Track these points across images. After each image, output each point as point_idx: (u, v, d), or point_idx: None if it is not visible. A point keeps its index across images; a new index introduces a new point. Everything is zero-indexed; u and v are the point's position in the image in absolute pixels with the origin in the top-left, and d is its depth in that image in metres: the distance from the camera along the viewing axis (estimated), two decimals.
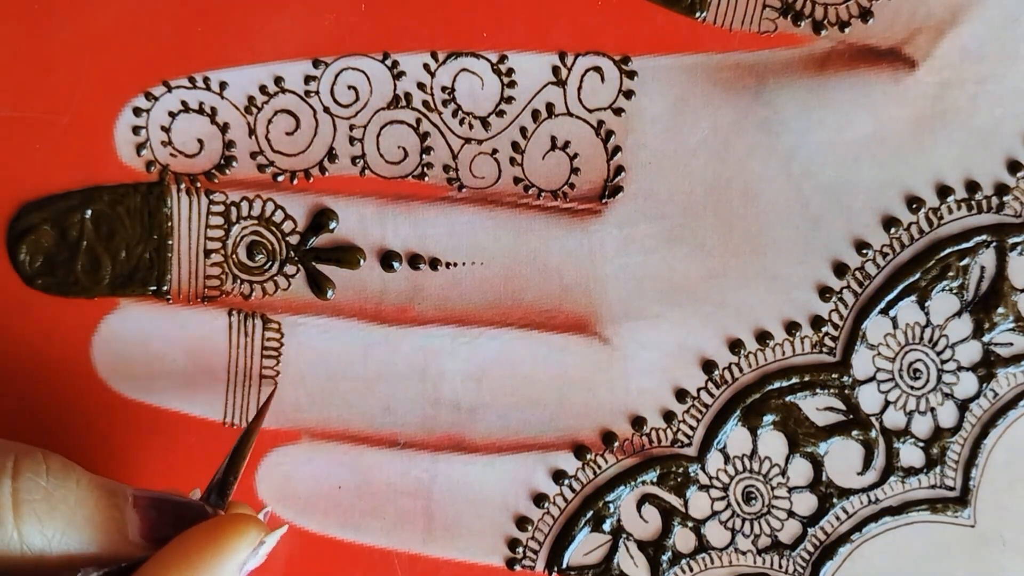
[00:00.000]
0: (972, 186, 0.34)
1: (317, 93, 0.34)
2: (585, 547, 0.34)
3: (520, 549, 0.34)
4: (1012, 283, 0.34)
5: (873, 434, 0.34)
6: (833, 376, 0.34)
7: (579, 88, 0.34)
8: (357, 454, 0.34)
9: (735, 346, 0.34)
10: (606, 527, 0.34)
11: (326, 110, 0.34)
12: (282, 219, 0.34)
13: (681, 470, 0.34)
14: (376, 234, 0.34)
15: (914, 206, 0.34)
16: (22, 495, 0.25)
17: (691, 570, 0.34)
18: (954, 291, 0.34)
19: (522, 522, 0.34)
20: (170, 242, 0.34)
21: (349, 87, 0.34)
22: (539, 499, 0.34)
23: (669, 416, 0.34)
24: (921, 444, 0.34)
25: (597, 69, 0.34)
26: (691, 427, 0.34)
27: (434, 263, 0.34)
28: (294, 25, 0.33)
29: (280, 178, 0.34)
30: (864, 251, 0.34)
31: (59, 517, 0.25)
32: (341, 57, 0.33)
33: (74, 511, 0.26)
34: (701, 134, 0.34)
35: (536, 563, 0.34)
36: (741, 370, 0.34)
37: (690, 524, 0.34)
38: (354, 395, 0.34)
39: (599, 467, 0.34)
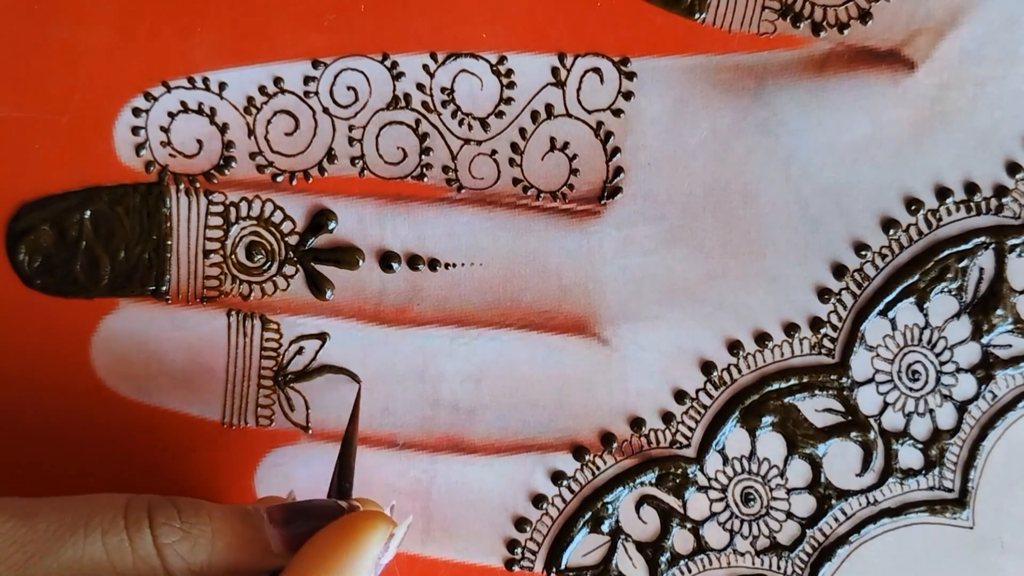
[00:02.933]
0: (971, 188, 0.34)
1: (316, 94, 0.34)
2: (584, 548, 0.34)
3: (519, 550, 0.34)
4: (1011, 285, 0.34)
5: (872, 435, 0.34)
6: (832, 377, 0.34)
7: (578, 89, 0.34)
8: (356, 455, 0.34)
9: (734, 347, 0.34)
10: (605, 528, 0.34)
11: (325, 111, 0.34)
12: (281, 219, 0.34)
13: (680, 471, 0.34)
14: (375, 235, 0.34)
15: (913, 208, 0.34)
16: (161, 541, 0.26)
17: (689, 571, 0.34)
18: (953, 293, 0.34)
19: (521, 523, 0.34)
20: (169, 242, 0.34)
21: (348, 88, 0.34)
22: (538, 500, 0.34)
23: (668, 417, 0.34)
24: (920, 446, 0.34)
25: (596, 70, 0.34)
26: (690, 428, 0.34)
27: (433, 264, 0.34)
28: (294, 25, 0.33)
29: (279, 178, 0.34)
30: (863, 252, 0.34)
31: (201, 551, 0.27)
32: (340, 58, 0.33)
33: (213, 543, 0.27)
34: (700, 135, 0.34)
35: (535, 564, 0.34)
36: (740, 371, 0.34)
37: (688, 525, 0.34)
38: (352, 395, 0.34)
39: (598, 468, 0.34)
